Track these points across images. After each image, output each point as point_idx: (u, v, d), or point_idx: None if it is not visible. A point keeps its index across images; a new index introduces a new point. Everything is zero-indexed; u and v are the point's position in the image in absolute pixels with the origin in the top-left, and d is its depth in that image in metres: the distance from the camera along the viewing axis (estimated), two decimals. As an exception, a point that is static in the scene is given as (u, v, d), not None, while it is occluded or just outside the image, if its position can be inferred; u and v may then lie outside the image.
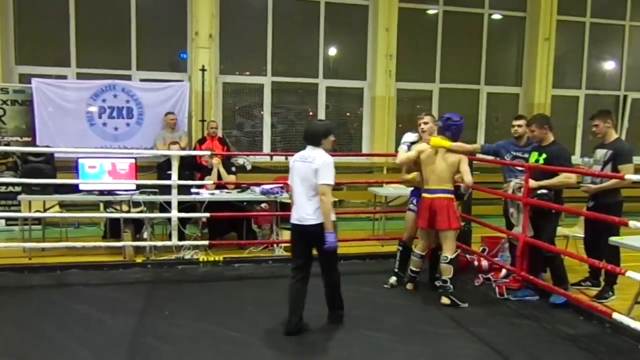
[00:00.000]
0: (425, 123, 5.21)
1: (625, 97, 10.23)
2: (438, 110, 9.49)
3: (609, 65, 10.45)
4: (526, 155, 5.16)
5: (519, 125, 5.37)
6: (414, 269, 5.15)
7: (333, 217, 3.96)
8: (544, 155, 4.78)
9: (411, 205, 5.34)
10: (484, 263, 5.73)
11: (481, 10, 9.57)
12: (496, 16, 9.75)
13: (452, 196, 4.86)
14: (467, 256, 5.95)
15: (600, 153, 4.97)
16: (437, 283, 5.07)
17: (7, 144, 7.31)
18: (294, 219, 4.07)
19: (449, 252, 4.82)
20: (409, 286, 5.16)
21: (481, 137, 9.60)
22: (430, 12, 9.48)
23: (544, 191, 4.69)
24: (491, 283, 5.36)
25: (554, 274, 4.83)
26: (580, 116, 9.94)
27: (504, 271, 5.45)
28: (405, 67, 9.19)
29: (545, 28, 9.44)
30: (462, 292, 4.87)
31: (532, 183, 4.68)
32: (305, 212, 3.95)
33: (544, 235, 4.76)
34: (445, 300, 4.76)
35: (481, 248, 6.03)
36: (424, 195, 4.93)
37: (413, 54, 9.44)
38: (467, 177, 4.80)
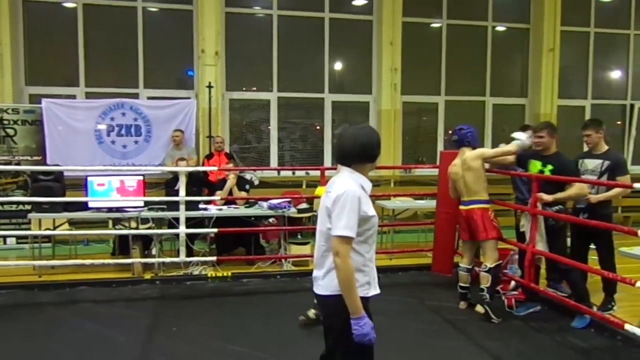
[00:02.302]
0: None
1: (632, 105, 10.18)
2: (444, 123, 9.54)
3: (615, 74, 10.43)
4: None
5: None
6: (462, 284, 5.05)
7: (362, 290, 2.38)
8: (550, 167, 4.70)
9: None
10: (493, 275, 5.68)
11: (484, 22, 9.62)
12: (500, 28, 9.79)
13: (486, 206, 4.87)
14: (476, 268, 5.90)
15: (593, 163, 4.85)
16: None
17: (18, 163, 7.40)
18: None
19: (489, 261, 4.78)
20: (462, 305, 5.03)
21: (488, 148, 9.56)
22: (434, 25, 9.54)
23: (560, 206, 4.64)
24: (500, 295, 5.31)
25: (573, 291, 4.68)
26: (587, 126, 9.91)
27: (512, 283, 5.41)
28: (411, 80, 9.22)
29: (549, 39, 9.46)
30: (469, 306, 4.84)
31: (547, 197, 4.58)
32: (316, 271, 2.52)
33: (556, 251, 4.66)
34: (480, 308, 4.78)
35: (490, 260, 5.99)
36: (460, 207, 5.01)
37: (418, 67, 9.47)
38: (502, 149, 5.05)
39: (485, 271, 4.75)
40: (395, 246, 7.02)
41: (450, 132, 5.11)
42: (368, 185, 2.45)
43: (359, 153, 2.42)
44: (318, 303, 2.61)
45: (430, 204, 6.76)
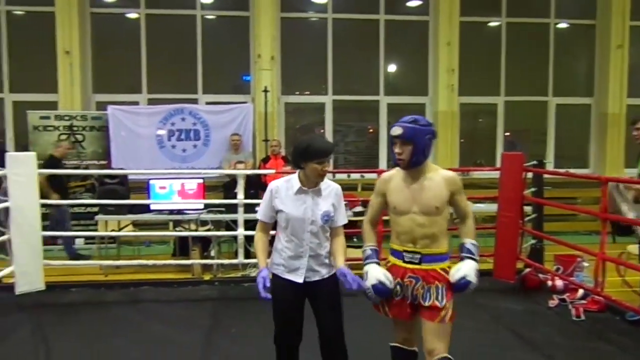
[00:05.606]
0: None
1: None
2: (504, 124, 9.24)
3: (691, 71, 9.78)
4: None
5: None
6: None
7: (276, 268, 2.98)
8: None
9: None
10: (559, 283, 5.44)
11: (546, 20, 9.26)
12: (563, 25, 9.40)
13: None
14: (540, 275, 5.68)
15: None
16: None
17: (86, 167, 7.77)
18: None
19: None
20: None
21: (550, 151, 9.21)
22: (493, 24, 9.28)
23: None
24: (567, 304, 5.07)
25: None
26: (660, 126, 9.33)
27: (580, 292, 5.15)
28: (468, 80, 9.01)
29: (618, 35, 8.99)
30: (533, 315, 4.64)
31: None
32: None
33: None
34: None
35: (555, 267, 5.74)
36: None
37: (476, 67, 9.23)
38: None
39: None
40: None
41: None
42: (296, 185, 2.82)
43: (292, 158, 2.89)
44: None
45: (490, 207, 6.55)
